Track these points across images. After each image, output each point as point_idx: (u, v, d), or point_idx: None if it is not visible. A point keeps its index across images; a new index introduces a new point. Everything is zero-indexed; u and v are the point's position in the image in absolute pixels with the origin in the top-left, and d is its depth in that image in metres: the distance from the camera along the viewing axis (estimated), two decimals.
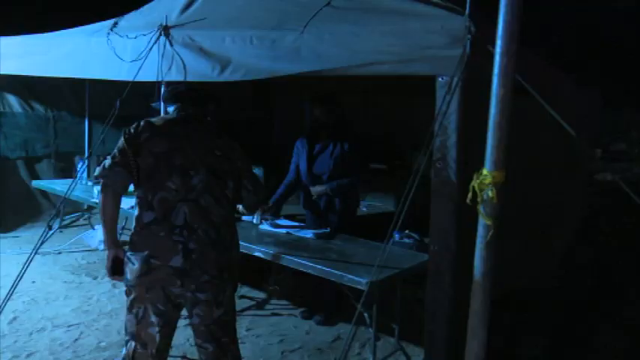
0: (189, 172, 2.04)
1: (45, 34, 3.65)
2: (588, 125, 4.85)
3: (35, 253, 2.44)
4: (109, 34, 3.29)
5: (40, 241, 2.45)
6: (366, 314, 2.91)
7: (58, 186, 4.62)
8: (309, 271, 2.78)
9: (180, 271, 2.00)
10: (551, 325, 3.47)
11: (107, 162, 2.04)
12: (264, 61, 2.47)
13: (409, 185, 1.85)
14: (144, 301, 2.04)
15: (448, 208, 1.99)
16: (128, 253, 2.05)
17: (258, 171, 5.78)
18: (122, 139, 2.06)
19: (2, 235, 5.03)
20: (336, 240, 3.24)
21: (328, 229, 3.35)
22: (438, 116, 1.93)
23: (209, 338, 2.15)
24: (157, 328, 2.05)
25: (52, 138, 5.47)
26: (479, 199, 1.68)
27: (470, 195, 1.69)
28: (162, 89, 2.46)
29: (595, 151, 8.06)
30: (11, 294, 2.48)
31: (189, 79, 2.76)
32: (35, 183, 4.99)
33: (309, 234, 3.26)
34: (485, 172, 1.66)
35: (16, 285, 2.54)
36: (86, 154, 5.40)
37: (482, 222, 1.70)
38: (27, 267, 2.47)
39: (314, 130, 3.55)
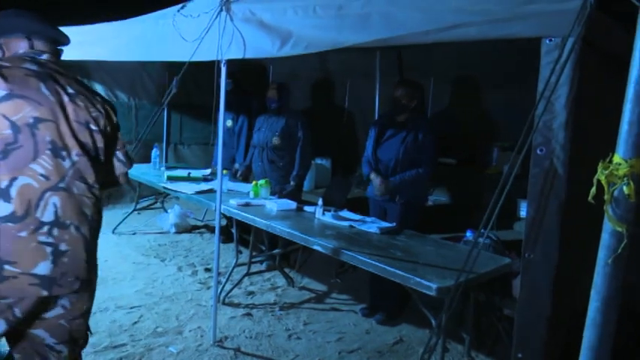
0: (61, 152, 1.44)
1: (118, 22, 3.47)
2: None
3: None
4: (175, 15, 3.01)
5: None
6: (433, 320, 2.42)
7: (133, 171, 4.46)
8: (371, 269, 2.34)
9: (47, 279, 1.43)
10: None
11: None
12: (327, 31, 2.02)
13: (504, 178, 1.32)
14: None
15: (551, 207, 1.44)
16: None
17: (325, 162, 5.41)
18: None
19: None
20: (401, 236, 2.75)
21: (394, 224, 2.87)
22: (543, 90, 1.38)
23: None
24: None
25: (134, 126, 5.39)
26: (606, 197, 1.14)
27: (593, 190, 1.15)
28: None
29: None
30: None
31: (249, 55, 2.38)
32: None
33: (373, 228, 2.79)
34: (617, 159, 1.11)
35: None
36: (164, 142, 5.30)
37: (609, 228, 1.15)
38: None
39: (391, 113, 3.15)
